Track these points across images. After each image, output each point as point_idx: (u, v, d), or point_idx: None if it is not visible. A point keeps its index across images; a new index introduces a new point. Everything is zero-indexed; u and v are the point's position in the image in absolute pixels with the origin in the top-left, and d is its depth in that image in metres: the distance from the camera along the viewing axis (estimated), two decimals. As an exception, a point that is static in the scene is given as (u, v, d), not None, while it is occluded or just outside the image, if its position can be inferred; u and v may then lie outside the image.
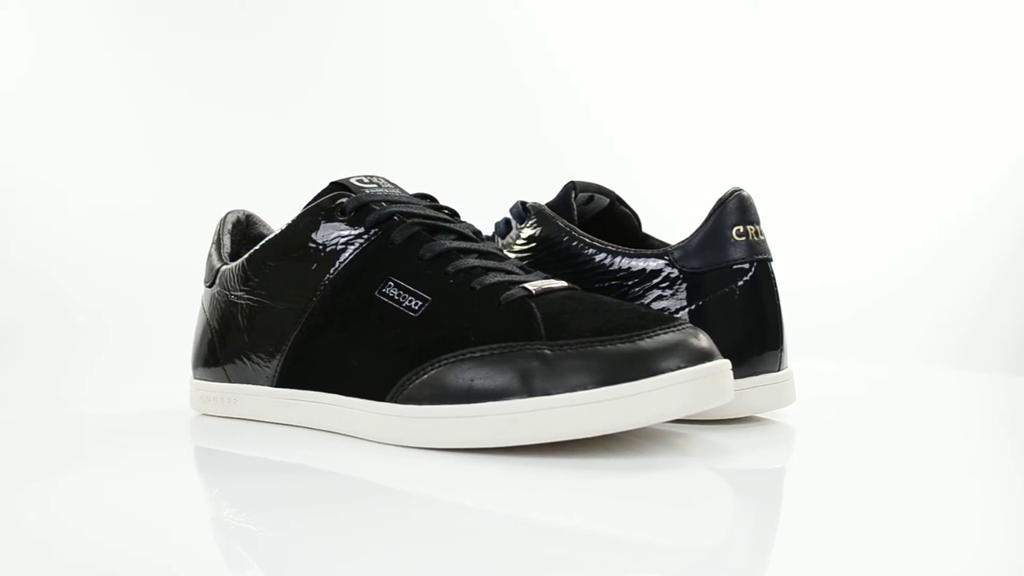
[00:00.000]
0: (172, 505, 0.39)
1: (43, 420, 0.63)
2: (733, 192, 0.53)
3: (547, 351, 0.43)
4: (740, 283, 0.52)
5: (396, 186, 0.56)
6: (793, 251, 1.05)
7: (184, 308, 0.67)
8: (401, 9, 1.15)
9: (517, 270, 0.50)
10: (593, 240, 0.56)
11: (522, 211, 0.61)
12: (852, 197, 1.21)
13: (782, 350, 0.53)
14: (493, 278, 0.48)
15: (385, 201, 0.53)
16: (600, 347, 0.43)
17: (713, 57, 1.22)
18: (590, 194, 0.61)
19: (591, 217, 0.63)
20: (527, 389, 0.43)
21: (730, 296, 0.52)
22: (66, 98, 1.02)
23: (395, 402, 0.47)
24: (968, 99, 1.24)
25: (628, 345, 0.43)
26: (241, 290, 0.56)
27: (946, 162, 1.23)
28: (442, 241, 0.50)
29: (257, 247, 0.55)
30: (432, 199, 0.56)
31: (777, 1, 1.23)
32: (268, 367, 0.54)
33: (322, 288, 0.51)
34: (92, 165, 1.02)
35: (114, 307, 0.89)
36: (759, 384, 0.52)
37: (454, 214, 0.56)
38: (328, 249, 0.52)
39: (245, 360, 0.55)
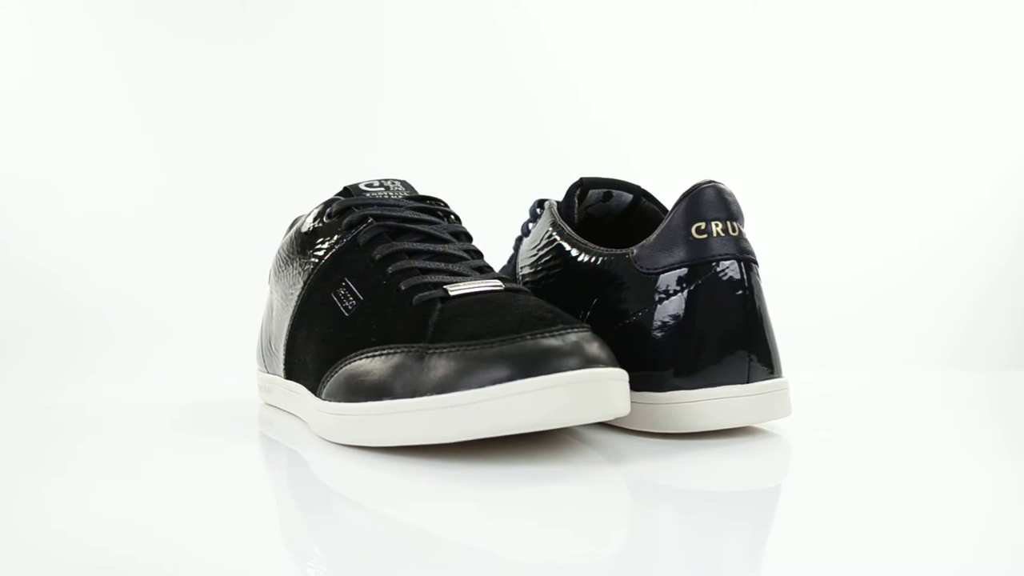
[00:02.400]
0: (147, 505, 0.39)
1: (36, 418, 0.66)
2: (698, 185, 0.49)
3: (423, 354, 0.44)
4: (695, 285, 0.47)
5: (411, 189, 0.58)
6: (793, 251, 1.07)
7: (186, 306, 0.73)
8: (404, 11, 1.16)
9: (467, 271, 0.50)
10: (578, 239, 0.54)
11: (536, 210, 0.60)
12: (852, 197, 1.15)
13: (752, 361, 0.47)
14: (421, 279, 0.48)
15: (369, 204, 0.55)
16: (468, 351, 0.42)
17: (714, 56, 1.19)
18: (606, 190, 0.58)
19: (619, 215, 0.60)
20: (400, 391, 0.44)
21: (682, 299, 0.48)
22: (67, 98, 1.07)
23: (319, 397, 0.49)
24: (968, 100, 1.16)
25: (491, 349, 0.42)
26: (274, 288, 0.61)
27: (946, 162, 1.16)
28: (395, 243, 0.51)
29: (278, 248, 0.60)
30: (439, 203, 0.57)
31: (777, 1, 1.20)
32: (280, 360, 0.59)
33: (305, 287, 0.55)
34: (95, 165, 1.06)
35: (116, 307, 0.94)
36: (718, 396, 0.47)
37: (456, 219, 0.56)
38: (314, 251, 0.55)
39: (272, 352, 0.61)
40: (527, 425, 0.41)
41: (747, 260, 0.48)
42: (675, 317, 0.47)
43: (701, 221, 0.48)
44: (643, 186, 0.58)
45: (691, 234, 0.48)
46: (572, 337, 0.42)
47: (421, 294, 0.47)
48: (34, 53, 1.07)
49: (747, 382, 0.47)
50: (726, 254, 0.47)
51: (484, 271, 0.51)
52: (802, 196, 1.13)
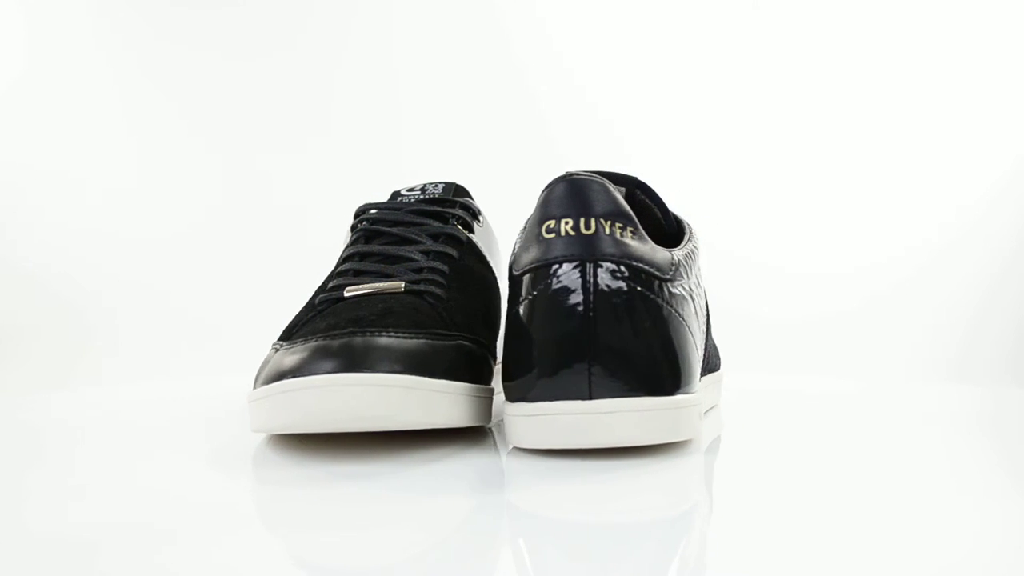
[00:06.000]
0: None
1: (37, 416, 0.68)
2: (553, 180, 0.44)
3: (277, 350, 0.47)
4: (538, 289, 0.43)
5: (452, 191, 0.59)
6: (792, 250, 1.06)
7: (188, 305, 0.76)
8: (413, 13, 1.16)
9: (403, 272, 0.51)
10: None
11: (543, 208, 0.58)
12: (853, 195, 1.13)
13: (595, 375, 0.41)
14: (340, 280, 0.51)
15: (375, 207, 0.58)
16: (287, 349, 0.45)
17: (716, 54, 1.18)
18: (594, 184, 0.54)
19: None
20: (256, 383, 0.48)
21: (527, 304, 0.44)
22: (76, 95, 1.10)
23: None
24: (967, 101, 1.14)
25: (290, 349, 0.44)
26: None
27: (946, 162, 1.14)
28: (365, 245, 0.55)
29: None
30: (456, 207, 0.58)
31: (777, 0, 1.20)
32: None
33: None
34: (102, 165, 1.09)
35: (126, 308, 0.96)
36: (550, 412, 0.42)
37: (463, 224, 0.57)
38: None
39: None
40: (284, 427, 0.43)
41: (612, 261, 0.42)
42: (522, 323, 0.44)
43: (551, 219, 0.44)
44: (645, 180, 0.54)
45: (541, 233, 0.44)
46: (357, 341, 0.42)
47: (324, 294, 0.50)
48: (67, 49, 1.14)
49: (589, 399, 0.42)
50: (569, 255, 0.43)
51: (421, 271, 0.52)
52: (802, 194, 1.11)
